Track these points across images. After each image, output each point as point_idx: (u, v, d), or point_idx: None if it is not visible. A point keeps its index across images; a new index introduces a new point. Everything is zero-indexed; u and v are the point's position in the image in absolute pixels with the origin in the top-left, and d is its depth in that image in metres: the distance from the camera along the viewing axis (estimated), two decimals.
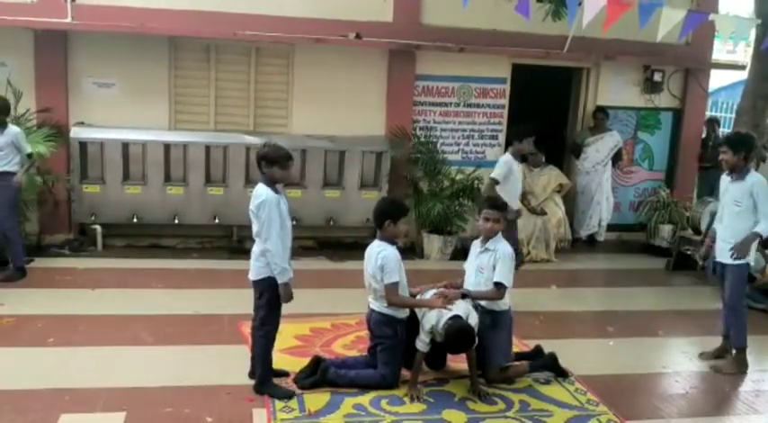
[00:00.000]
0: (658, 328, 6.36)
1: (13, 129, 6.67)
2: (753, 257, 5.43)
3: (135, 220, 7.84)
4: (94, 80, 8.01)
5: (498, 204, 5.06)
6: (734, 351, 5.52)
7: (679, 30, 6.58)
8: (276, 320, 4.66)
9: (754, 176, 5.29)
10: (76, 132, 7.69)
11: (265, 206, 4.37)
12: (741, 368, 5.45)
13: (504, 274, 4.79)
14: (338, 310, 6.16)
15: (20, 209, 7.13)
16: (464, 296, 4.81)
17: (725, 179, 5.49)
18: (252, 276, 4.55)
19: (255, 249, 4.52)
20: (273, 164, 4.46)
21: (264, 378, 4.64)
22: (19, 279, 6.67)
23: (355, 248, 7.73)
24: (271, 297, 4.52)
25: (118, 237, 8.04)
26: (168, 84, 8.16)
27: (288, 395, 4.58)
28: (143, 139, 7.77)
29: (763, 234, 5.22)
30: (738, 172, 5.32)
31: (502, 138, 9.13)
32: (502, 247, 4.87)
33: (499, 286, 4.80)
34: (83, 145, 7.67)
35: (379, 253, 4.62)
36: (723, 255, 5.43)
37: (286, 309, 4.68)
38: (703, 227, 7.90)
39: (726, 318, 5.61)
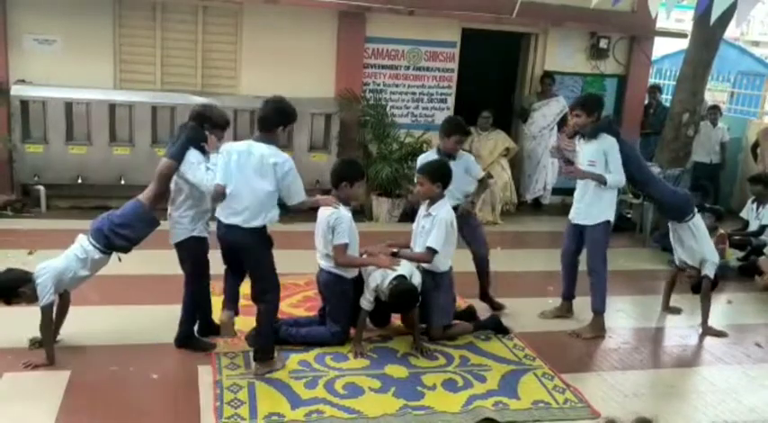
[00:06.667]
0: None
1: None
2: (613, 215, 5.47)
3: (80, 180, 7.73)
4: (35, 37, 7.79)
5: (425, 168, 5.08)
6: (593, 314, 5.53)
7: None
8: (206, 280, 4.74)
9: (605, 138, 5.27)
10: (17, 90, 7.50)
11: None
12: (599, 332, 5.47)
13: (437, 238, 4.86)
14: (287, 271, 6.17)
15: None
16: (394, 255, 4.92)
17: (579, 142, 5.44)
18: (173, 240, 4.62)
19: (174, 214, 4.62)
20: (215, 128, 4.56)
21: (186, 333, 4.72)
22: None
23: (304, 210, 7.75)
24: (193, 258, 4.63)
25: (62, 198, 7.91)
26: (113, 42, 7.99)
27: (208, 348, 4.67)
28: (87, 99, 7.62)
29: (607, 181, 5.22)
30: (590, 133, 5.30)
31: (451, 102, 9.23)
32: (441, 212, 4.94)
33: (430, 250, 4.89)
34: (24, 103, 7.49)
35: (333, 214, 4.69)
36: (580, 217, 5.47)
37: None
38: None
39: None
